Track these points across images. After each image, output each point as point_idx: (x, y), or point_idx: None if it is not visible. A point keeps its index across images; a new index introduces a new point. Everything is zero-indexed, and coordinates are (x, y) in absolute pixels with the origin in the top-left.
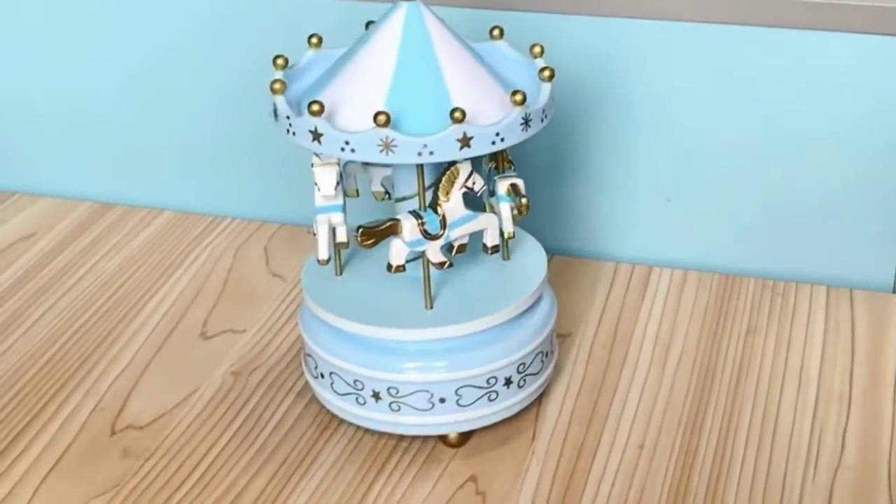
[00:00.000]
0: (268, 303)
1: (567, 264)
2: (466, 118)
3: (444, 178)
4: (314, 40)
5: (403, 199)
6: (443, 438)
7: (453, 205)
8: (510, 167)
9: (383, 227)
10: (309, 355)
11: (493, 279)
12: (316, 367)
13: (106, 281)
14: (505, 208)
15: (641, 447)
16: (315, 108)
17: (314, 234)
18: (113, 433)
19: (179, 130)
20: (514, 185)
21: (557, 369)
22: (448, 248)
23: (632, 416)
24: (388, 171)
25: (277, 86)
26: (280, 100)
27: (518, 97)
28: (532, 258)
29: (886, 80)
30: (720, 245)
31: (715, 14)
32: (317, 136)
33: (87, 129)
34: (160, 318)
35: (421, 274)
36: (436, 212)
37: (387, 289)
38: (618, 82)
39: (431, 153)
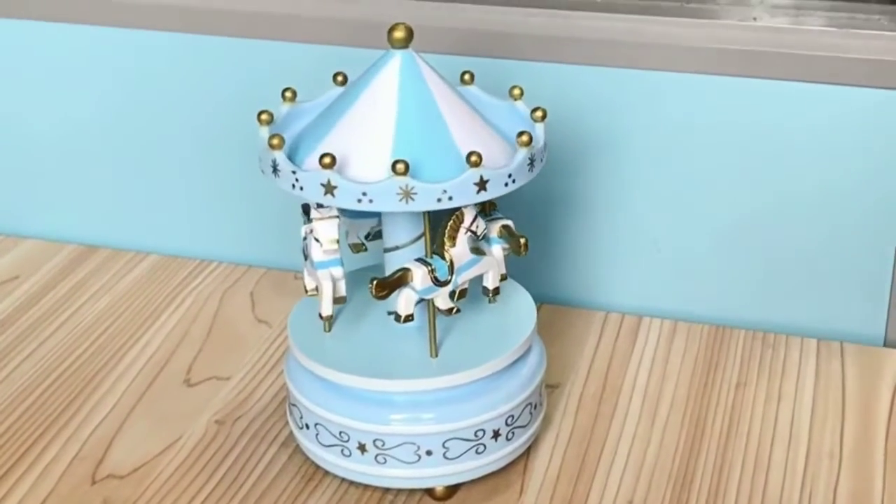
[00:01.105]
0: (253, 349)
1: (556, 313)
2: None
3: (449, 224)
4: (288, 94)
5: (396, 248)
6: (429, 492)
7: (460, 250)
8: (494, 209)
9: (395, 277)
10: (294, 405)
11: (482, 329)
12: (301, 418)
13: (90, 325)
14: (497, 250)
15: (630, 502)
16: (327, 160)
17: (308, 291)
18: (93, 482)
19: (166, 173)
20: (506, 227)
21: (546, 421)
22: (450, 293)
23: (621, 470)
24: (371, 223)
25: (276, 141)
26: (280, 155)
27: (524, 138)
28: (521, 308)
29: (880, 134)
30: (710, 296)
31: (708, 65)
32: (330, 188)
33: (73, 171)
34: (144, 364)
35: (408, 324)
36: (443, 258)
37: (374, 339)
38: (609, 132)
39: (451, 198)
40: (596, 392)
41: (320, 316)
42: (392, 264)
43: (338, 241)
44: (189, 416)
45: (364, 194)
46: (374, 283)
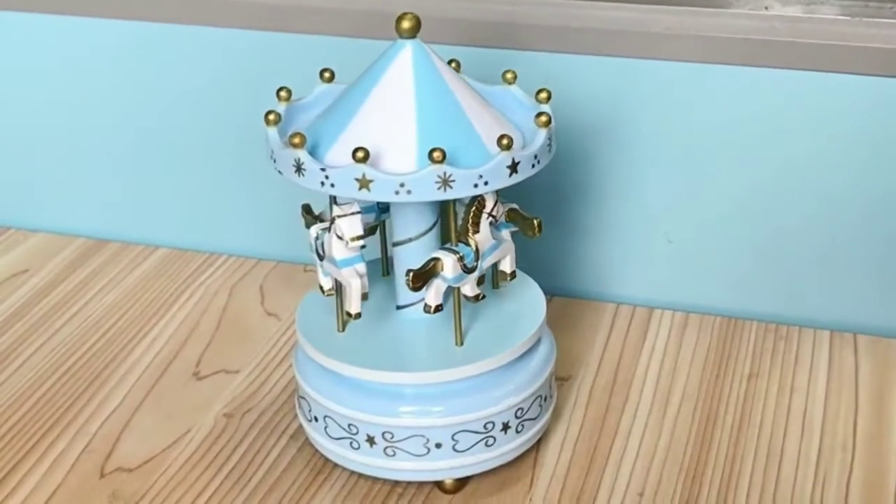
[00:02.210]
0: (262, 342)
1: (566, 305)
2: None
3: (472, 210)
4: (283, 94)
5: (409, 240)
6: (439, 484)
7: (483, 235)
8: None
9: (428, 267)
10: (303, 398)
11: (491, 322)
12: (310, 410)
13: (99, 319)
14: (507, 234)
15: (641, 494)
16: (360, 154)
17: (325, 292)
18: (102, 475)
19: (175, 167)
20: (514, 210)
21: (556, 414)
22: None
23: (631, 463)
24: (367, 219)
25: (297, 140)
26: (304, 154)
27: (544, 118)
28: (530, 300)
29: (894, 123)
30: (722, 287)
31: (720, 55)
32: (365, 183)
33: (82, 164)
34: (153, 358)
35: (417, 316)
36: (467, 244)
37: (382, 331)
38: (620, 123)
39: (486, 183)
40: (607, 384)
41: (348, 314)
42: (402, 258)
43: (362, 237)
44: (198, 409)
45: (402, 185)
46: (411, 275)
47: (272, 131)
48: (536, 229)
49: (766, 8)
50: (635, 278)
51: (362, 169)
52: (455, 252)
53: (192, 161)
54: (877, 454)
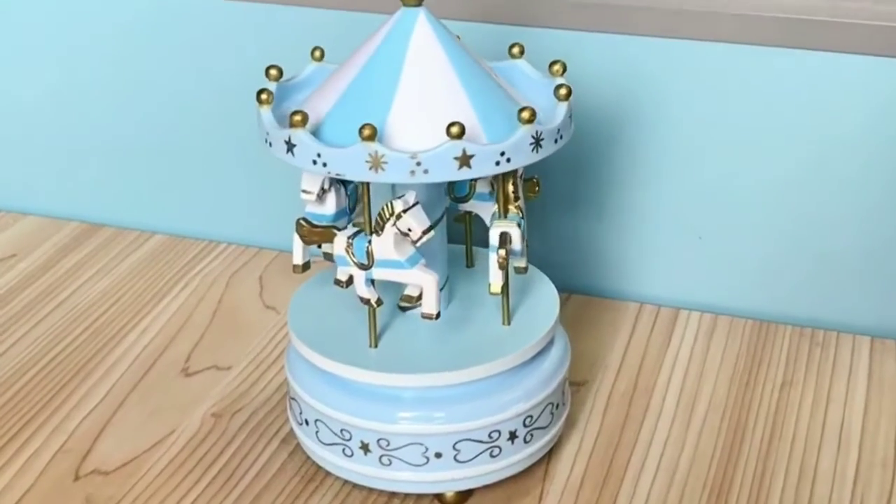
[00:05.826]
0: (258, 337)
1: (584, 304)
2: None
3: (514, 181)
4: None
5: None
6: (439, 497)
7: (522, 202)
8: None
9: (504, 244)
10: (294, 399)
11: (499, 321)
12: (301, 413)
13: (87, 308)
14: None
15: None
16: (455, 130)
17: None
18: (76, 478)
19: (173, 148)
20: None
21: (570, 422)
22: None
23: (651, 478)
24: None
25: (369, 132)
26: (381, 146)
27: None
28: (542, 297)
29: None
30: (754, 288)
31: (753, 34)
32: (465, 160)
33: (77, 145)
34: (141, 351)
35: (418, 314)
36: (516, 214)
37: (380, 330)
38: (644, 107)
39: (562, 137)
40: (626, 391)
41: (428, 316)
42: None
43: (432, 227)
44: (185, 407)
45: (502, 154)
46: (502, 252)
47: (301, 132)
48: (536, 186)
49: None
50: (660, 276)
51: (462, 145)
52: (514, 222)
53: (191, 143)
54: None
